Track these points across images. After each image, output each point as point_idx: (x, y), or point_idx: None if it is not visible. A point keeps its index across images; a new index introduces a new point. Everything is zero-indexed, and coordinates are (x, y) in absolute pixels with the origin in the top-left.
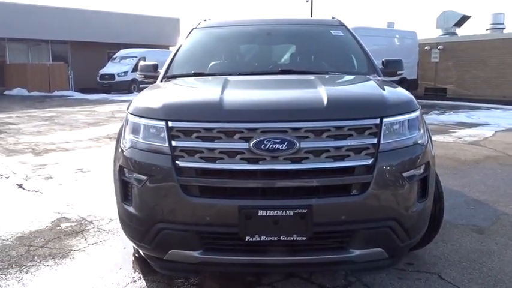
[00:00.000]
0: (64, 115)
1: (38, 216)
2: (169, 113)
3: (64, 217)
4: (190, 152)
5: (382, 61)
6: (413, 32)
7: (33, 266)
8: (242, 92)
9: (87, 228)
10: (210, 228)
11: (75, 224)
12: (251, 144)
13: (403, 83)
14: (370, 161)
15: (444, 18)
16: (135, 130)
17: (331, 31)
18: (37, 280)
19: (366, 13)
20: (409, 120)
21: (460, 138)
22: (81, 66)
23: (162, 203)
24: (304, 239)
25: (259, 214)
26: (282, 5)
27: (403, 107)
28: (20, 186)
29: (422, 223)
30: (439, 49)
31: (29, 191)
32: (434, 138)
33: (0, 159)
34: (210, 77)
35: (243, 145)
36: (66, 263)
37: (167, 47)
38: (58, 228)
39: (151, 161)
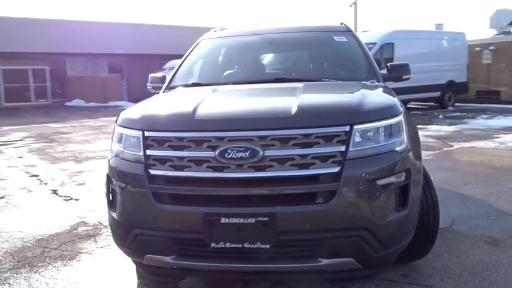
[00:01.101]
0: (112, 124)
1: (61, 220)
2: (146, 123)
3: (83, 221)
4: (162, 161)
5: (387, 66)
6: (462, 33)
7: (42, 266)
8: (218, 102)
9: (100, 232)
10: (180, 234)
11: (91, 228)
12: (216, 153)
13: (451, 86)
14: (336, 169)
15: (497, 17)
16: (119, 140)
17: (335, 37)
18: (42, 280)
19: (414, 15)
20: (385, 126)
21: (502, 144)
22: (134, 78)
23: (138, 209)
24: (268, 246)
25: (222, 221)
26: (324, 11)
27: (379, 114)
28: (55, 191)
29: (401, 233)
30: (490, 50)
31: (60, 196)
32: (473, 144)
33: (45, 166)
34: (202, 87)
35: (210, 154)
36: (72, 264)
37: None
38: (75, 231)
39: (129, 169)
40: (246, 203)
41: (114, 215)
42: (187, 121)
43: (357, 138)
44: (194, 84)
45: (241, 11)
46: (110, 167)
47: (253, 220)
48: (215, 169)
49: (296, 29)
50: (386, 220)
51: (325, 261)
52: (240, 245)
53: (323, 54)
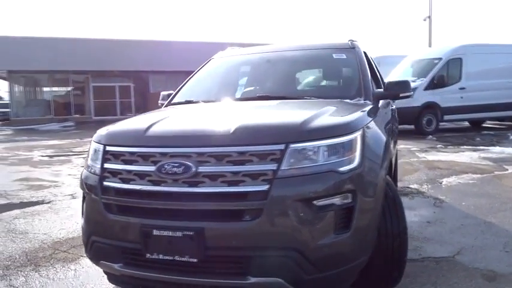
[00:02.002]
0: None
1: None
2: (108, 138)
3: None
4: (114, 173)
5: (383, 83)
6: None
7: (45, 266)
8: (173, 120)
9: None
10: (124, 243)
11: None
12: (155, 168)
13: None
14: (265, 187)
15: None
16: (90, 153)
17: (334, 55)
18: (38, 278)
19: (495, 30)
20: (328, 145)
21: None
22: None
23: (94, 218)
24: (195, 260)
25: (154, 233)
26: (398, 25)
27: (321, 133)
28: None
29: (341, 257)
30: None
31: None
32: None
33: None
34: (188, 105)
35: (151, 168)
36: (69, 266)
37: None
38: None
39: (90, 180)
40: (176, 217)
41: (82, 222)
42: (139, 137)
43: (292, 157)
44: (187, 102)
45: (303, 26)
46: (81, 178)
47: (180, 234)
48: (154, 183)
49: (300, 47)
50: (321, 242)
51: (253, 280)
52: (171, 257)
53: (315, 72)
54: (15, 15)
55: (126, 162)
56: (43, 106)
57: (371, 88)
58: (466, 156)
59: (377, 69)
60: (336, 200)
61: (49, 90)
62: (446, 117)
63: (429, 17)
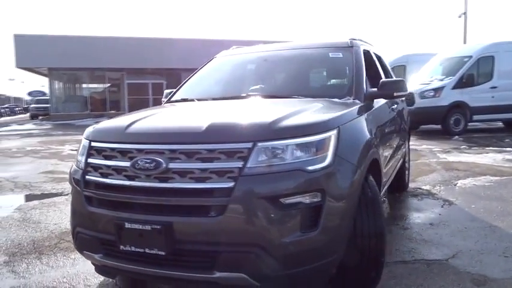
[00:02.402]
0: None
1: None
2: (93, 134)
3: None
4: (95, 168)
5: (379, 82)
6: None
7: (47, 255)
8: (155, 118)
9: None
10: (102, 235)
11: None
12: (130, 163)
13: None
14: (230, 184)
15: None
16: (79, 149)
17: (330, 54)
18: (39, 265)
19: None
20: (297, 144)
21: None
22: None
23: (77, 210)
24: (163, 253)
25: (126, 226)
26: (433, 22)
27: (291, 131)
28: None
29: (309, 255)
30: None
31: None
32: None
33: None
34: (181, 103)
35: (127, 164)
36: (69, 255)
37: None
38: None
39: (75, 174)
40: (146, 211)
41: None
42: (120, 134)
43: (259, 155)
44: (183, 100)
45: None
46: (69, 173)
47: (149, 227)
48: (129, 178)
49: (298, 46)
50: (286, 240)
51: (218, 274)
52: (142, 250)
53: (307, 71)
54: (56, 16)
55: (106, 157)
56: (80, 102)
57: (363, 87)
58: (489, 158)
59: (382, 68)
60: (303, 199)
61: (86, 87)
62: (475, 117)
63: (464, 13)
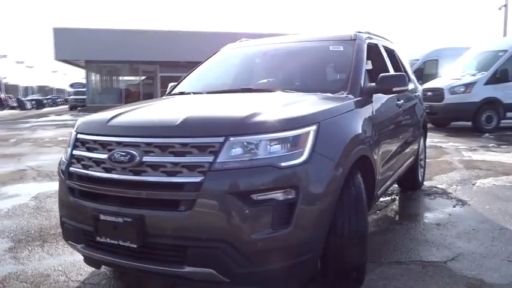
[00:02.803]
0: None
1: None
2: (80, 126)
3: None
4: (79, 160)
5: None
6: None
7: (50, 242)
8: (138, 111)
9: None
10: (83, 226)
11: None
12: (107, 156)
13: None
14: (199, 179)
15: None
16: (69, 141)
17: (331, 47)
18: (39, 253)
19: None
20: (271, 139)
21: None
22: None
23: (63, 201)
24: (135, 246)
25: (101, 218)
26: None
27: (265, 127)
28: None
29: (279, 252)
30: None
31: None
32: None
33: None
34: (176, 96)
35: (105, 156)
36: None
37: None
38: None
39: (62, 165)
40: (120, 203)
41: None
42: (102, 126)
43: (230, 150)
44: (180, 93)
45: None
46: (58, 164)
47: (121, 220)
48: (106, 170)
49: (301, 39)
50: (255, 237)
51: (188, 269)
52: (116, 242)
53: (305, 65)
54: (94, 9)
55: (89, 149)
56: (116, 94)
57: (360, 82)
58: None
59: (393, 63)
60: (276, 195)
61: (121, 79)
62: (509, 114)
63: (505, 5)
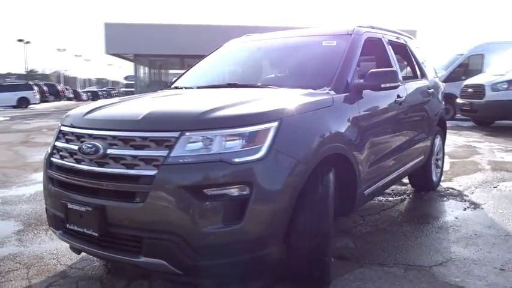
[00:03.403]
0: None
1: None
2: (64, 119)
3: None
4: (58, 151)
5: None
6: None
7: None
8: (114, 105)
9: None
10: (59, 213)
11: None
12: (77, 147)
13: None
14: (153, 172)
15: None
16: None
17: (324, 42)
18: (43, 237)
19: None
20: (226, 135)
21: None
22: None
23: (45, 189)
24: (96, 234)
25: (69, 206)
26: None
27: (221, 122)
28: None
29: (231, 247)
30: None
31: None
32: None
33: None
34: (167, 90)
35: (76, 147)
36: None
37: None
38: None
39: (46, 155)
40: (85, 193)
41: None
42: (79, 119)
43: (184, 145)
44: (175, 87)
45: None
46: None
47: (84, 209)
48: (77, 161)
49: (300, 34)
50: (206, 230)
51: (143, 259)
52: (82, 230)
53: (292, 60)
54: (143, 4)
55: (67, 141)
56: (162, 86)
57: (346, 78)
58: None
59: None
60: (228, 191)
61: (167, 72)
62: None
63: None
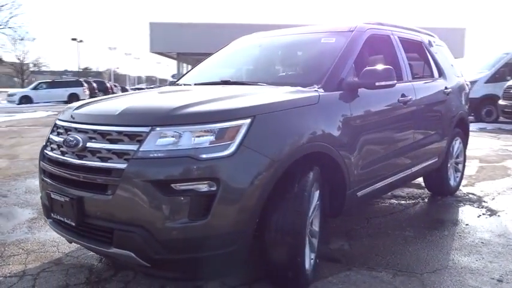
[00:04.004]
0: None
1: None
2: (60, 113)
3: None
4: (50, 143)
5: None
6: None
7: None
8: (102, 101)
9: None
10: (46, 202)
11: None
12: (62, 140)
13: None
14: (123, 166)
15: None
16: None
17: (323, 39)
18: (44, 225)
19: None
20: (194, 131)
21: None
22: None
23: (39, 179)
24: (73, 224)
25: (52, 196)
26: None
27: (191, 118)
28: None
29: (197, 243)
30: None
31: None
32: None
33: None
34: (166, 87)
35: (61, 140)
36: None
37: None
38: None
39: (42, 148)
40: (65, 184)
41: None
42: (70, 113)
43: (153, 140)
44: (176, 84)
45: None
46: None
47: (63, 199)
48: (62, 153)
49: (301, 31)
50: (170, 225)
51: (113, 250)
52: (62, 219)
53: (287, 58)
54: (183, 5)
55: (58, 134)
56: None
57: (339, 76)
58: None
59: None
60: (196, 186)
61: None
62: None
63: None
